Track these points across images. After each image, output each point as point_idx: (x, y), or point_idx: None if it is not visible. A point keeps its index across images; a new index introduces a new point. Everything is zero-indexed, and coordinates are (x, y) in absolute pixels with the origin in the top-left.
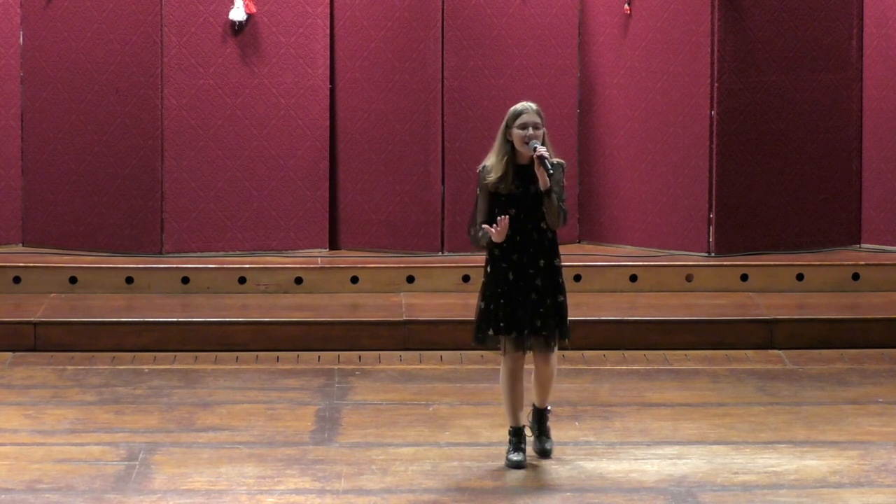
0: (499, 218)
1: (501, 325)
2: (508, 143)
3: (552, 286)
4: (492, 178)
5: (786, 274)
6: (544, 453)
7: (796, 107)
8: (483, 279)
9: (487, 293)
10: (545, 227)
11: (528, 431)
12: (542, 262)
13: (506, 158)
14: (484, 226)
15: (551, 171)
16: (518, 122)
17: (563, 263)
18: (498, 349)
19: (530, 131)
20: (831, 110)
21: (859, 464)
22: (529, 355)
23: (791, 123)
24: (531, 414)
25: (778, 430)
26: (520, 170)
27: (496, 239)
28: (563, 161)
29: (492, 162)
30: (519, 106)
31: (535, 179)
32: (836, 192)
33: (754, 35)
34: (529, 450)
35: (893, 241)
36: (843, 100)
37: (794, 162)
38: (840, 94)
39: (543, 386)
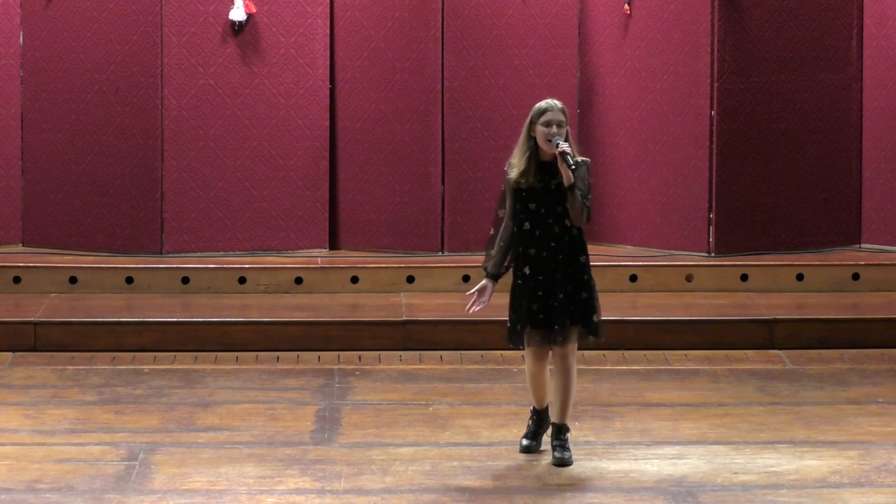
0: (471, 305)
1: (517, 318)
2: (532, 139)
3: (574, 282)
4: (514, 173)
5: (786, 274)
6: (562, 462)
7: (796, 107)
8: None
9: (512, 290)
10: (569, 223)
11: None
12: (561, 257)
13: (528, 154)
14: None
15: (573, 167)
16: (542, 119)
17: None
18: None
19: (554, 129)
20: (831, 110)
21: (859, 464)
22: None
23: (791, 123)
24: (550, 428)
25: (778, 430)
26: (542, 166)
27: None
28: (587, 159)
29: (516, 158)
30: (543, 103)
31: (556, 175)
32: (836, 192)
33: (754, 35)
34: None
35: (893, 241)
36: (843, 100)
37: (794, 162)
38: (840, 94)
39: (562, 393)
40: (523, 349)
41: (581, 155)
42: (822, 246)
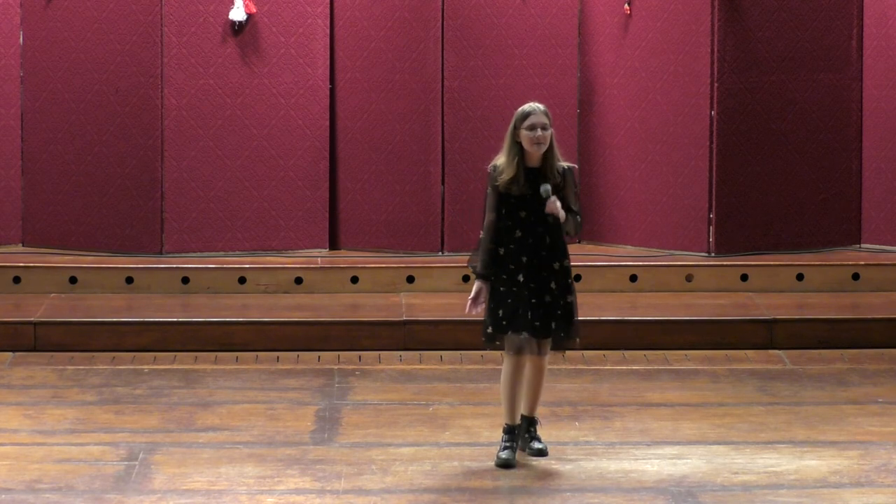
0: (471, 308)
1: (504, 323)
2: (517, 144)
3: (564, 287)
4: (504, 178)
5: (786, 274)
6: (541, 453)
7: (796, 107)
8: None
9: (495, 293)
10: (556, 229)
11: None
12: (556, 265)
13: (516, 160)
14: (472, 304)
15: (562, 223)
16: (526, 123)
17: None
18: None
19: (539, 133)
20: (831, 110)
21: (859, 464)
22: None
23: (791, 123)
24: (521, 421)
25: (778, 430)
26: (530, 171)
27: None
28: (574, 165)
29: (502, 162)
30: (527, 107)
31: (545, 180)
32: (836, 191)
33: (754, 35)
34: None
35: (893, 241)
36: (843, 100)
37: (794, 162)
38: (840, 94)
39: (534, 389)
40: (500, 350)
41: (579, 155)
42: (822, 246)
